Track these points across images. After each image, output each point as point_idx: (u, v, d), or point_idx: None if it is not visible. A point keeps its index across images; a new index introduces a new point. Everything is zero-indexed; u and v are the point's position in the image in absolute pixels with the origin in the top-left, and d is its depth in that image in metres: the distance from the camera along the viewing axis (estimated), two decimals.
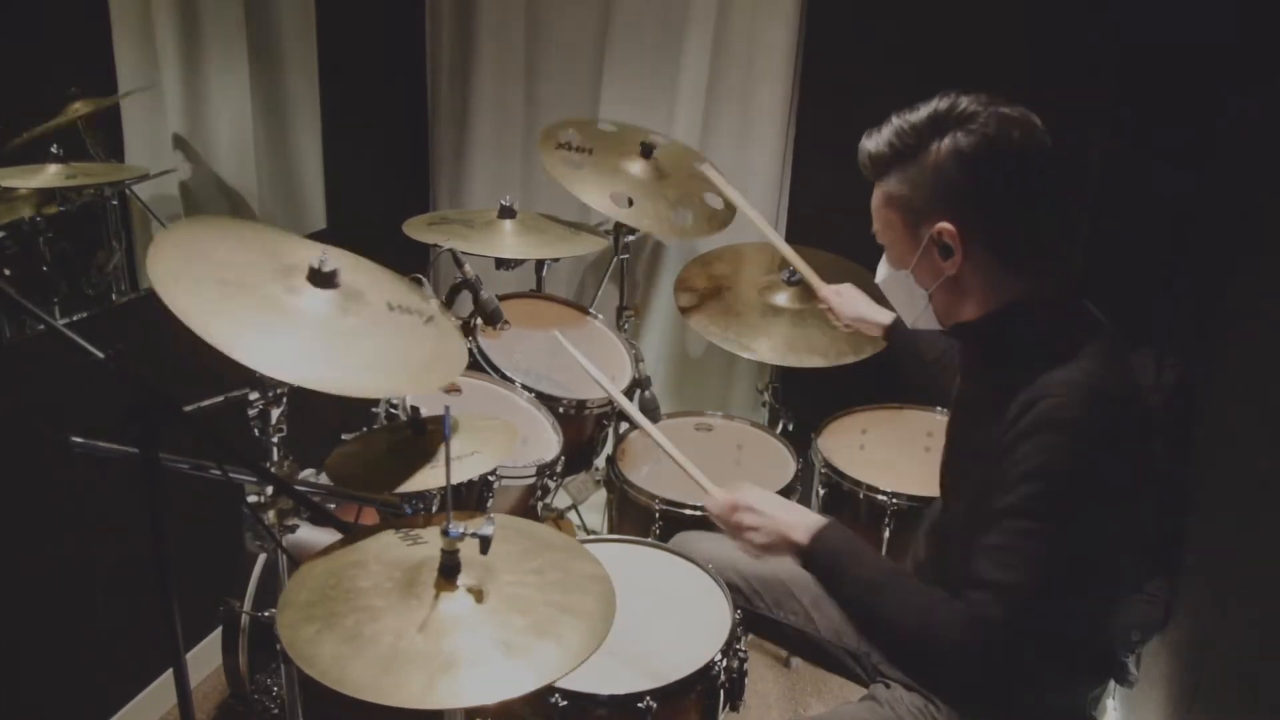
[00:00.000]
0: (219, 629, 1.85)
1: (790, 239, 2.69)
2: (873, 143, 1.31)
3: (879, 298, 1.50)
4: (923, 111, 1.26)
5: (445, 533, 1.15)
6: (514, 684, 1.07)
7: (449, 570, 1.17)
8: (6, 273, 1.75)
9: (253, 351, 1.19)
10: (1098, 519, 1.20)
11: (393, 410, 1.89)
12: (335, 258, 1.33)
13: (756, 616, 1.70)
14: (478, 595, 1.16)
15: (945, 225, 1.26)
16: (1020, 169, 1.24)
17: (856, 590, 1.33)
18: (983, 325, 1.33)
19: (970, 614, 1.21)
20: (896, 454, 2.28)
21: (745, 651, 1.58)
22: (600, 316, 2.40)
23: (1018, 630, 1.19)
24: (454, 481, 1.23)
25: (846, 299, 2.05)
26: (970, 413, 1.43)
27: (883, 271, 1.41)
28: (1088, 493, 1.20)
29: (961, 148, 1.23)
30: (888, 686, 1.51)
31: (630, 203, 2.27)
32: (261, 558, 1.78)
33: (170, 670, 1.23)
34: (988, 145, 1.22)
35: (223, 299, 1.22)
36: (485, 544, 1.16)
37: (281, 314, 1.27)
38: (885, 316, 1.96)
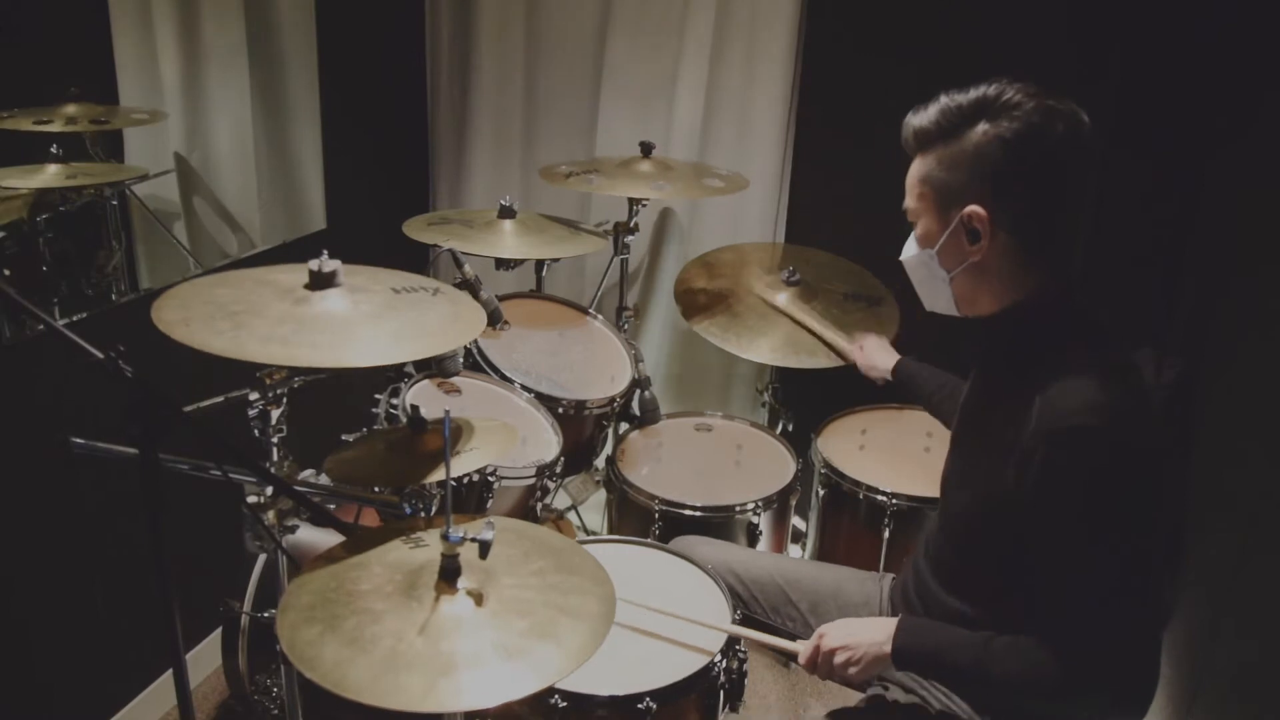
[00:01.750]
0: (219, 629, 1.85)
1: (790, 239, 2.71)
2: (919, 119, 1.31)
3: (906, 301, 1.50)
4: (971, 94, 1.26)
5: (445, 537, 1.15)
6: (513, 686, 1.07)
7: (449, 574, 1.17)
8: (6, 273, 1.75)
9: (298, 355, 1.22)
10: (1140, 527, 1.21)
11: (393, 410, 1.89)
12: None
13: (756, 622, 1.70)
14: (477, 599, 1.16)
15: (976, 209, 1.26)
16: (1060, 162, 1.23)
17: (960, 676, 1.34)
18: (1000, 321, 1.33)
19: (1064, 667, 1.21)
20: (896, 454, 2.28)
21: (745, 652, 1.58)
22: (600, 316, 2.40)
23: (1118, 657, 1.21)
24: (453, 474, 1.23)
25: (867, 351, 2.14)
26: (978, 414, 1.42)
27: (909, 250, 1.39)
28: (1125, 508, 1.20)
29: (1004, 134, 1.22)
30: (886, 689, 1.51)
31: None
32: (261, 558, 1.78)
33: (170, 670, 1.23)
34: (1030, 134, 1.21)
35: (238, 327, 1.24)
36: (484, 549, 1.16)
37: (300, 322, 1.28)
38: (891, 361, 2.05)
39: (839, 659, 1.38)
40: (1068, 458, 1.18)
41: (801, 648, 1.47)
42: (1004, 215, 1.25)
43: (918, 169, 1.32)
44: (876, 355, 2.10)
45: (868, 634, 1.38)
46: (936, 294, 1.38)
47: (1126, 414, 1.20)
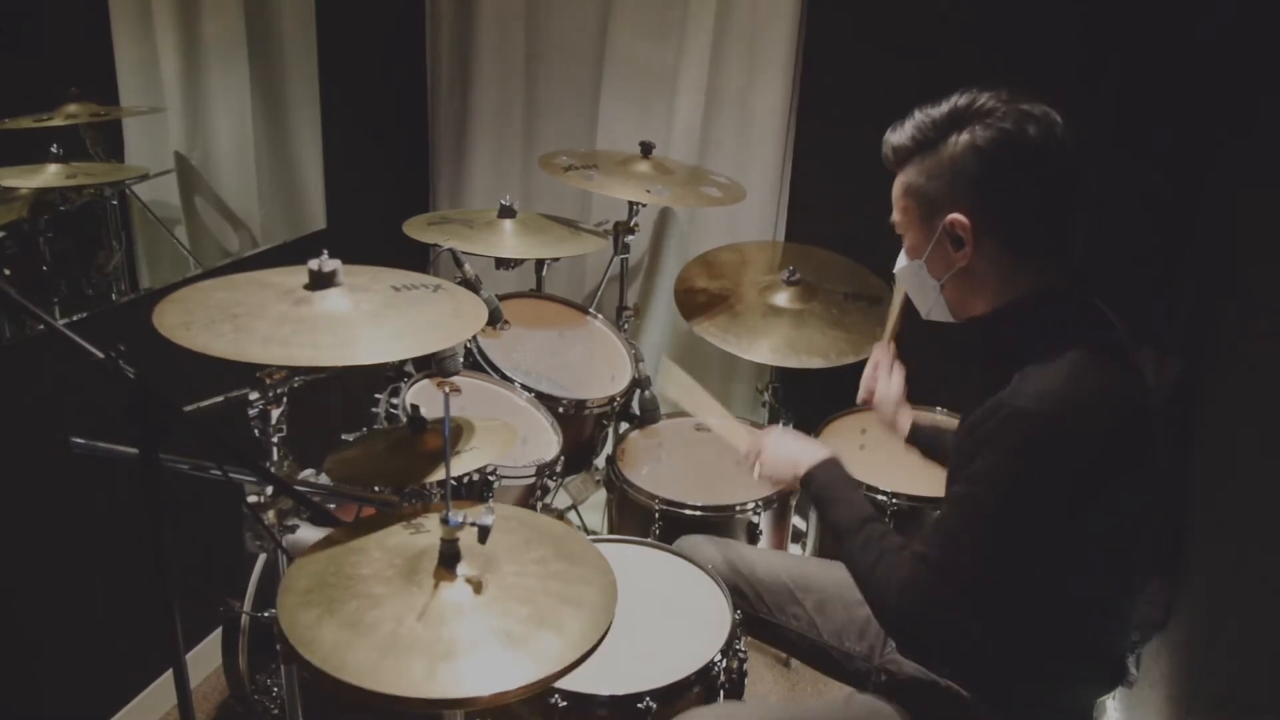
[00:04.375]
0: (219, 629, 1.85)
1: (790, 239, 2.72)
2: (896, 135, 1.33)
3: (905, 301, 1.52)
4: (944, 106, 1.28)
5: (444, 521, 1.16)
6: (514, 673, 1.07)
7: (449, 559, 1.17)
8: (6, 273, 1.75)
9: (299, 356, 1.22)
10: (1039, 521, 1.22)
11: (393, 410, 1.89)
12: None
13: (758, 620, 1.70)
14: (476, 586, 1.16)
15: (957, 217, 1.27)
16: (1035, 165, 1.24)
17: (833, 531, 1.44)
18: (989, 320, 1.34)
19: (907, 577, 1.28)
20: (896, 454, 2.27)
21: (745, 652, 1.58)
22: (600, 316, 2.40)
23: (941, 602, 1.26)
24: (453, 473, 1.23)
25: (879, 402, 1.80)
26: (970, 412, 1.43)
27: (900, 261, 1.42)
28: (1032, 495, 1.21)
29: (978, 142, 1.24)
30: (894, 689, 1.51)
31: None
32: (261, 558, 1.78)
33: (170, 670, 1.23)
34: (1004, 140, 1.23)
35: (239, 329, 1.24)
36: (484, 533, 1.17)
37: (301, 322, 1.29)
38: (906, 422, 1.80)
39: (764, 455, 1.61)
40: (1005, 430, 1.21)
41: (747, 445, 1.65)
42: (985, 220, 1.27)
43: (899, 183, 1.35)
44: (887, 404, 1.78)
45: (796, 451, 1.56)
46: (930, 302, 1.40)
47: (1083, 411, 1.20)
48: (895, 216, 1.38)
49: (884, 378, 1.78)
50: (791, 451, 1.56)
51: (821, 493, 1.49)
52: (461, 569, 1.17)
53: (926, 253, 1.34)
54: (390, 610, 1.12)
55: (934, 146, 1.28)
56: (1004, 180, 1.25)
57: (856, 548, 1.37)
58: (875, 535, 1.37)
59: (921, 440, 1.79)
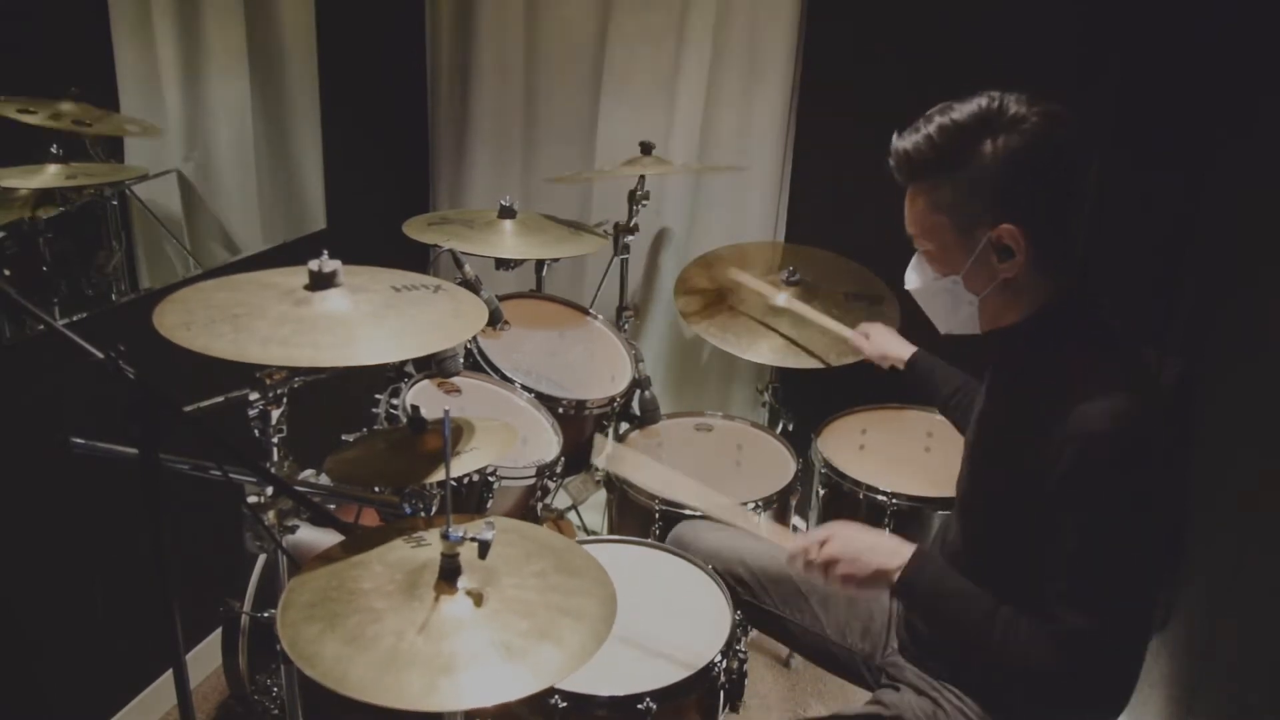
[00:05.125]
0: (219, 629, 1.85)
1: (790, 239, 2.72)
2: (909, 142, 1.26)
3: (907, 300, 1.48)
4: (966, 111, 1.23)
5: (445, 536, 1.16)
6: (513, 686, 1.07)
7: (449, 573, 1.17)
8: (6, 273, 1.75)
9: (299, 356, 1.22)
10: (1154, 532, 1.23)
11: (393, 410, 1.89)
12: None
13: (763, 612, 1.70)
14: (477, 599, 1.16)
15: (1008, 227, 1.23)
16: (1068, 165, 1.23)
17: (957, 628, 1.33)
18: (1018, 329, 1.32)
19: (1071, 650, 1.21)
20: (896, 454, 2.28)
21: (745, 652, 1.58)
22: (600, 316, 2.40)
23: (1114, 654, 1.22)
24: (453, 474, 1.23)
25: (874, 340, 2.05)
26: (999, 427, 1.39)
27: (917, 279, 1.37)
28: (1145, 512, 1.21)
29: (1015, 147, 1.20)
30: (896, 690, 1.51)
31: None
32: (261, 558, 1.78)
33: (170, 670, 1.23)
34: (1039, 144, 1.20)
35: (239, 330, 1.24)
36: (484, 549, 1.17)
37: (301, 322, 1.29)
38: (907, 351, 1.96)
39: (841, 569, 1.34)
40: (1095, 460, 1.18)
41: (796, 543, 1.41)
42: (1034, 228, 1.24)
43: (924, 198, 1.28)
44: (889, 343, 2.01)
45: (878, 555, 1.34)
46: (961, 318, 1.35)
47: (1149, 420, 1.20)
48: (916, 232, 1.31)
49: (867, 346, 2.06)
50: (872, 559, 1.34)
51: (927, 597, 1.33)
52: (462, 582, 1.17)
53: (966, 268, 1.28)
54: (391, 624, 1.13)
55: (963, 156, 1.22)
56: (1042, 185, 1.22)
57: (997, 638, 1.26)
58: (1010, 619, 1.26)
59: (918, 372, 1.93)
